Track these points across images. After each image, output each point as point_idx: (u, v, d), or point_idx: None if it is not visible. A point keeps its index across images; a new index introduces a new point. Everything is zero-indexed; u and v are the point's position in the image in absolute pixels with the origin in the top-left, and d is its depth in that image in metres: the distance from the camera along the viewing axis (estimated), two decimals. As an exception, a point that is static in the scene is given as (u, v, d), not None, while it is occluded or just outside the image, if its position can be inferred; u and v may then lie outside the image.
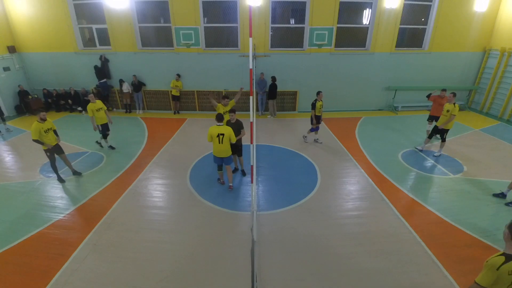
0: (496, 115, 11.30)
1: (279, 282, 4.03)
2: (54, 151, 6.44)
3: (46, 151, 6.27)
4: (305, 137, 8.99)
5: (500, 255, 2.50)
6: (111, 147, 8.42)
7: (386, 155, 7.98)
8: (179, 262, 4.37)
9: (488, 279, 2.48)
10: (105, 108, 8.04)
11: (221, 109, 6.78)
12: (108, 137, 8.37)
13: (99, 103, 7.82)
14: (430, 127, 8.69)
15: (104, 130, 8.09)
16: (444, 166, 7.31)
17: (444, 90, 8.38)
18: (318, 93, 8.25)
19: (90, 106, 7.62)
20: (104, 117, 7.94)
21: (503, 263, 2.43)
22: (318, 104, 8.21)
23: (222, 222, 5.30)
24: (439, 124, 7.55)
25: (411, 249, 4.60)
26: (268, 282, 4.02)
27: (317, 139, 8.90)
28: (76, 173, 6.93)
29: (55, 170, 6.55)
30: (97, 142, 8.54)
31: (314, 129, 8.63)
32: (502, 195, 5.86)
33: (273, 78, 10.91)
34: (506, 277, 2.46)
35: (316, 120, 8.37)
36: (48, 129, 6.21)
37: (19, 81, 11.62)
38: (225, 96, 6.91)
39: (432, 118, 8.61)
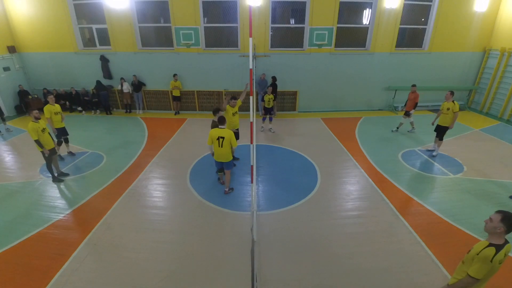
0: (496, 115, 11.30)
1: (279, 282, 4.03)
2: (53, 154, 6.46)
3: (44, 152, 6.26)
4: (270, 129, 9.84)
5: (488, 246, 2.53)
6: (71, 153, 7.93)
7: (386, 155, 7.98)
8: (179, 262, 4.36)
9: (484, 271, 2.52)
10: (61, 111, 7.53)
11: (230, 110, 6.63)
12: (68, 143, 7.89)
13: (57, 107, 7.35)
14: (404, 120, 9.62)
15: (60, 135, 7.55)
16: (444, 166, 7.30)
17: (414, 85, 9.16)
18: (268, 87, 9.52)
19: (48, 108, 7.15)
20: (60, 121, 7.40)
21: (495, 254, 2.47)
22: (266, 97, 9.27)
23: (222, 222, 5.30)
24: (444, 123, 7.51)
25: (411, 249, 4.60)
26: (268, 282, 4.02)
27: (271, 128, 9.84)
28: (62, 174, 6.84)
29: (50, 171, 6.53)
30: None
31: (265, 119, 9.71)
32: None
33: (273, 78, 10.91)
34: (497, 267, 2.53)
35: (266, 111, 9.48)
36: (44, 128, 6.22)
37: (19, 81, 11.62)
38: (233, 97, 6.74)
39: (407, 113, 9.46)
